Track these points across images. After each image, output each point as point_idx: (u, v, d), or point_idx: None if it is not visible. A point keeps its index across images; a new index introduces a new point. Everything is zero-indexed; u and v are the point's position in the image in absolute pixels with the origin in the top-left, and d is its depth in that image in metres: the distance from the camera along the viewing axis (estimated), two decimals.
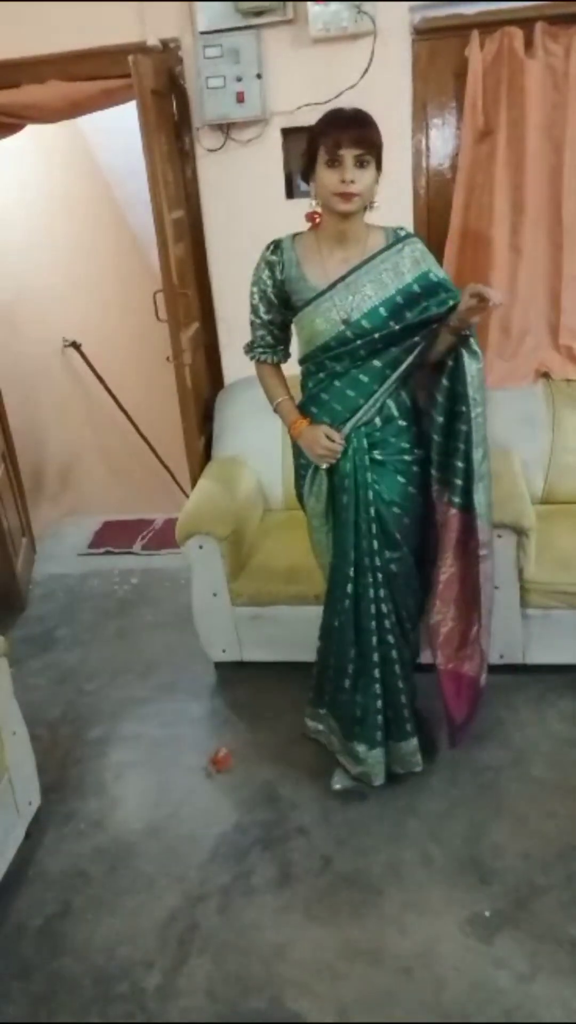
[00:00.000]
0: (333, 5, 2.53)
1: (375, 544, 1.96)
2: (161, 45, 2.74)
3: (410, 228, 2.26)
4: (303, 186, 2.86)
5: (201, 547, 2.51)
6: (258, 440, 2.96)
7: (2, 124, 2.96)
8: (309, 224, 1.91)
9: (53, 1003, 1.72)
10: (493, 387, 2.86)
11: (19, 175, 4.08)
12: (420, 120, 2.75)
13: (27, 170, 4.15)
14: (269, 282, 1.92)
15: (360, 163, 1.73)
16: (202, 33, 2.64)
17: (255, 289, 1.95)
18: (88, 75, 2.79)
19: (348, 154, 1.72)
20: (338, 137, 1.71)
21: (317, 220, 1.88)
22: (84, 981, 1.76)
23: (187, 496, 2.79)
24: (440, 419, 1.90)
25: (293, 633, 2.58)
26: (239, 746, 2.42)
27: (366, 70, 2.62)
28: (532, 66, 2.52)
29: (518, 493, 2.49)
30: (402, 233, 1.89)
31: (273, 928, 1.84)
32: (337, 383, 1.90)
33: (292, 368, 2.89)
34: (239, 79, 2.65)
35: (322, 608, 2.11)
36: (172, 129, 2.82)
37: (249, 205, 2.90)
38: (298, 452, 2.04)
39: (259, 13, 2.59)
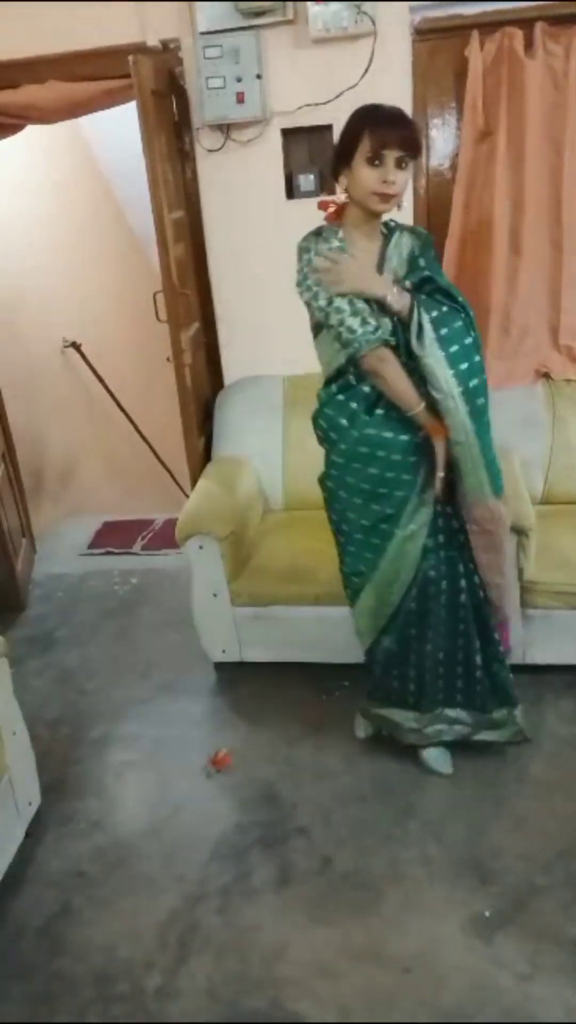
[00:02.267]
0: (333, 5, 2.54)
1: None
2: (161, 45, 2.74)
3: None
4: (304, 185, 2.88)
5: (201, 547, 2.51)
6: (258, 440, 2.96)
7: (2, 125, 2.96)
8: (325, 215, 1.89)
9: (53, 1003, 1.72)
10: (493, 387, 2.86)
11: (19, 175, 4.08)
12: (420, 120, 2.75)
13: (27, 170, 4.15)
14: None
15: (400, 164, 1.72)
16: (202, 33, 2.64)
17: (318, 282, 1.80)
18: (88, 75, 2.80)
19: (391, 155, 1.70)
20: (385, 136, 1.69)
21: (330, 209, 1.88)
22: (84, 981, 1.76)
23: (187, 496, 2.79)
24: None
25: (293, 633, 2.58)
26: (239, 746, 2.42)
27: (366, 70, 2.63)
28: (532, 66, 2.52)
29: (518, 493, 2.49)
30: (392, 223, 1.92)
31: (273, 928, 1.84)
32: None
33: (291, 369, 2.91)
34: (239, 79, 2.65)
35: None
36: (172, 129, 2.82)
37: (249, 205, 2.90)
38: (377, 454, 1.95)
39: (259, 13, 2.59)
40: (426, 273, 1.84)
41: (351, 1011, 1.64)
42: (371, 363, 1.83)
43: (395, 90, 2.65)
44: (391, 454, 1.91)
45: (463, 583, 2.03)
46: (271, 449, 2.95)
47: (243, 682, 2.71)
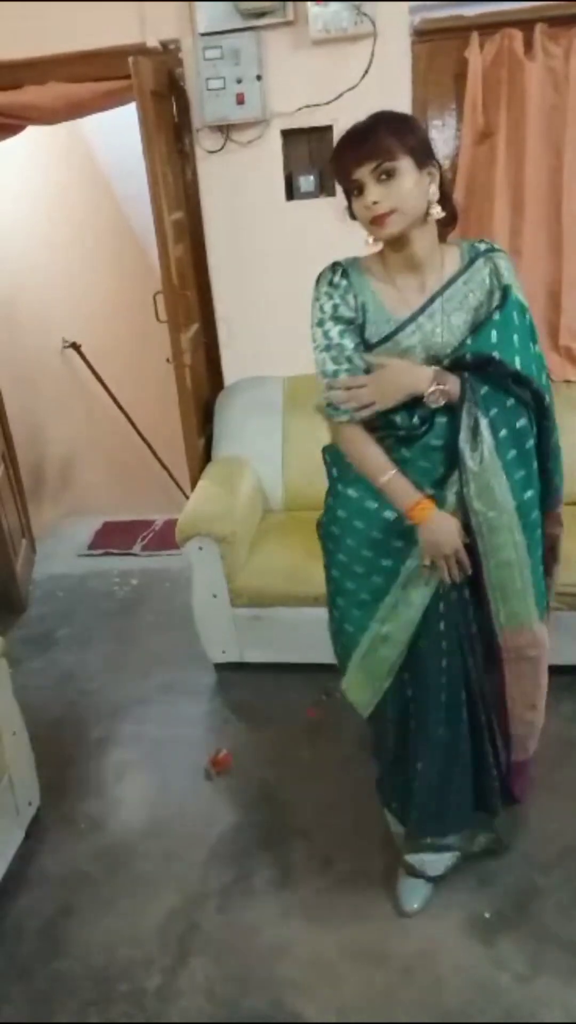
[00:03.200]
0: (333, 6, 2.54)
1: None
2: (161, 46, 2.75)
3: None
4: (304, 186, 2.88)
5: (201, 548, 2.51)
6: (258, 441, 2.96)
7: (2, 125, 2.96)
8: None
9: (53, 1003, 1.72)
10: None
11: (19, 176, 4.09)
12: (420, 121, 2.75)
13: (27, 171, 4.15)
14: (346, 307, 1.50)
15: (382, 175, 1.39)
16: (202, 34, 2.64)
17: (327, 326, 1.50)
18: (88, 76, 2.80)
19: (363, 173, 1.40)
20: (346, 161, 1.42)
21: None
22: (84, 981, 1.76)
23: (187, 497, 2.79)
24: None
25: (293, 634, 2.58)
26: (239, 746, 2.42)
27: (366, 71, 2.63)
28: (532, 68, 2.52)
29: None
30: (481, 247, 1.53)
31: (273, 928, 1.84)
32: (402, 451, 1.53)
33: (291, 369, 2.91)
34: (239, 80, 2.65)
35: (333, 629, 1.81)
36: (172, 130, 2.82)
37: (249, 206, 2.90)
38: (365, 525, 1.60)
39: (259, 14, 2.60)
40: (494, 353, 1.43)
41: (351, 1011, 1.65)
42: (334, 435, 1.58)
43: (395, 91, 2.65)
44: (371, 530, 1.58)
45: (471, 701, 1.68)
46: (271, 450, 2.95)
47: (243, 682, 2.71)
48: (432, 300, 1.48)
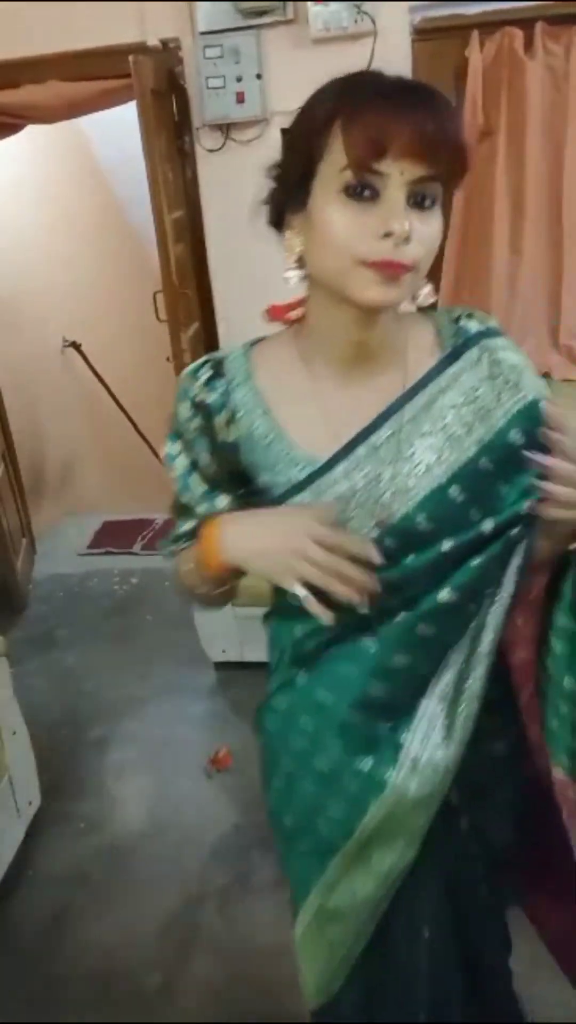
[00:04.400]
0: (333, 5, 2.53)
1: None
2: (161, 45, 2.74)
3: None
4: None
5: None
6: None
7: (2, 124, 2.96)
8: (276, 321, 1.01)
9: (53, 1003, 1.72)
10: None
11: (19, 175, 4.08)
12: None
13: (26, 170, 4.15)
14: (202, 443, 0.96)
15: (422, 198, 0.80)
16: (202, 33, 2.64)
17: (175, 449, 1.00)
18: (88, 75, 2.80)
19: (398, 173, 0.78)
20: (383, 128, 0.76)
21: (293, 318, 0.98)
22: (84, 981, 1.76)
23: None
24: (567, 681, 0.93)
25: None
26: (239, 746, 2.42)
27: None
28: (532, 66, 2.52)
29: None
30: (470, 324, 0.95)
31: (273, 928, 1.84)
32: (364, 641, 0.94)
33: None
34: (239, 79, 2.65)
35: None
36: (172, 129, 2.82)
37: (249, 205, 2.89)
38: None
39: (259, 13, 2.59)
40: (522, 507, 0.86)
41: None
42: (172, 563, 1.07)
43: None
44: (323, 732, 0.97)
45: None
46: None
47: (243, 682, 2.71)
48: (385, 418, 0.89)
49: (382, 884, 0.98)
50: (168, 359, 2.84)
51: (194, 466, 0.98)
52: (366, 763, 0.93)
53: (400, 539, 0.88)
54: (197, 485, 0.99)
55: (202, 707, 2.66)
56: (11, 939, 1.88)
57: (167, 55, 2.75)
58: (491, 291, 2.76)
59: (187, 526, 1.02)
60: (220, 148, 2.82)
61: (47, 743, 2.48)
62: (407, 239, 0.78)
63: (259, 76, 2.66)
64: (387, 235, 0.78)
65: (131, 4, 2.68)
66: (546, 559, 0.92)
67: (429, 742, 0.92)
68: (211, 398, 0.94)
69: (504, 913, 1.19)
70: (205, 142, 2.83)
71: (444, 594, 0.88)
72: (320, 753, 0.97)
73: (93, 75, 2.79)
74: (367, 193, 0.79)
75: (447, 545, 0.87)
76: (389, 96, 0.78)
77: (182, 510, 1.03)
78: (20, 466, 3.67)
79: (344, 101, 0.80)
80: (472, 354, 0.91)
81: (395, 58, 2.63)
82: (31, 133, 3.27)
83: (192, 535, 1.00)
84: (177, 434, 0.99)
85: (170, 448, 1.00)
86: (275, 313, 1.01)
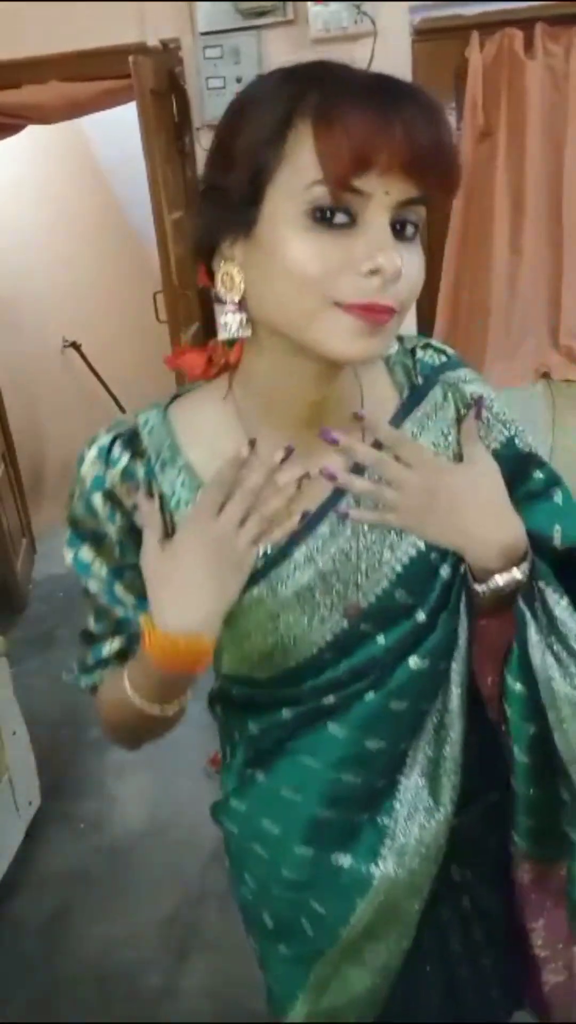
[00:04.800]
0: (333, 5, 2.53)
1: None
2: (161, 45, 2.74)
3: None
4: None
5: None
6: None
7: (2, 125, 2.97)
8: (181, 370, 0.81)
9: (53, 1003, 1.72)
10: (493, 388, 2.87)
11: (19, 176, 4.09)
12: None
13: (26, 170, 4.15)
14: (128, 543, 0.78)
15: (403, 226, 0.65)
16: (202, 34, 2.64)
17: (86, 555, 0.81)
18: (88, 75, 2.80)
19: (386, 193, 0.62)
20: (369, 133, 0.59)
21: (213, 371, 0.78)
22: (84, 981, 1.76)
23: None
24: (524, 759, 0.79)
25: None
26: None
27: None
28: (532, 67, 2.52)
29: None
30: (427, 356, 0.83)
31: None
32: (331, 729, 0.82)
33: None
34: (239, 80, 2.65)
35: None
36: (172, 130, 2.82)
37: None
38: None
39: (259, 13, 2.59)
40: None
41: None
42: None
43: None
44: (291, 834, 0.85)
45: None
46: None
47: None
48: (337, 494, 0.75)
49: (378, 975, 0.87)
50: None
51: (118, 574, 0.78)
52: (345, 859, 0.82)
53: (374, 620, 0.78)
54: (126, 595, 0.79)
55: (202, 707, 2.64)
56: (11, 939, 1.88)
57: (167, 55, 2.75)
58: (491, 291, 2.76)
59: (111, 646, 0.82)
60: None
61: (47, 743, 2.48)
62: (397, 270, 0.61)
63: (259, 76, 2.65)
64: (373, 272, 0.61)
65: (131, 4, 2.68)
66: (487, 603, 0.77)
67: (414, 822, 0.81)
68: (128, 489, 0.75)
69: (511, 1011, 1.02)
70: (205, 142, 2.83)
71: (415, 661, 0.78)
72: (289, 857, 0.84)
73: (93, 75, 2.79)
74: (341, 218, 0.61)
75: (423, 615, 0.78)
76: (371, 93, 0.60)
77: (99, 634, 0.84)
78: (20, 466, 3.67)
79: (312, 97, 0.61)
80: (436, 393, 0.80)
81: (395, 58, 2.63)
82: (31, 133, 3.27)
83: (123, 654, 0.81)
84: (85, 536, 0.78)
85: (78, 555, 0.79)
86: (179, 364, 0.79)
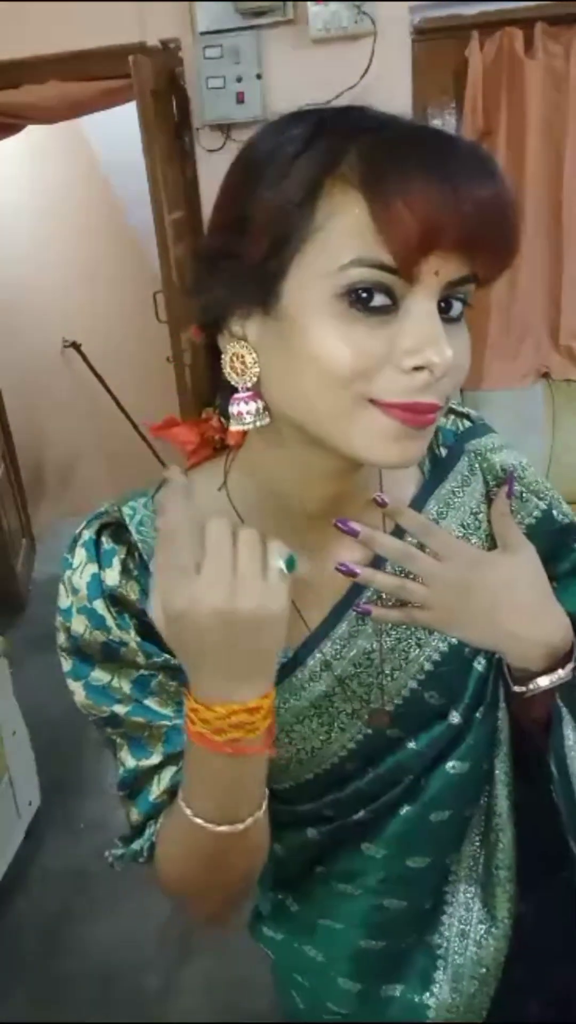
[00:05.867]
0: (333, 5, 2.53)
1: None
2: (161, 45, 2.74)
3: None
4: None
5: None
6: None
7: (2, 124, 2.97)
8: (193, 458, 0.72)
9: (53, 1003, 1.72)
10: (493, 387, 2.88)
11: (18, 175, 4.09)
12: (420, 120, 2.74)
13: (26, 170, 4.15)
14: (133, 639, 0.64)
15: (448, 306, 0.55)
16: (202, 33, 2.64)
17: (102, 678, 0.68)
18: (88, 75, 2.80)
19: (436, 274, 0.52)
20: (437, 208, 0.49)
21: (206, 453, 0.71)
22: (84, 981, 1.76)
23: None
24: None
25: None
26: None
27: (366, 70, 2.62)
28: (532, 67, 2.52)
29: None
30: (449, 428, 0.74)
31: None
32: (365, 850, 0.73)
33: None
34: (239, 79, 2.65)
35: None
36: (172, 129, 2.82)
37: None
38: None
39: (259, 13, 2.59)
40: None
41: None
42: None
43: (395, 90, 2.65)
44: (335, 963, 0.77)
45: None
46: None
47: None
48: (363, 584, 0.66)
49: None
50: (168, 359, 2.84)
51: (144, 685, 0.65)
52: (395, 990, 0.74)
53: (402, 724, 0.69)
54: (162, 707, 0.65)
55: None
56: (11, 939, 1.88)
57: (167, 55, 2.75)
58: (491, 291, 2.76)
59: (159, 784, 0.67)
60: (220, 148, 2.82)
61: (47, 743, 2.48)
62: (446, 362, 0.51)
63: (259, 76, 2.66)
64: (418, 368, 0.52)
65: (131, 4, 2.68)
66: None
67: (469, 938, 0.72)
68: (135, 587, 0.64)
69: None
70: (205, 142, 2.83)
71: (453, 766, 0.69)
72: (334, 991, 0.76)
73: (93, 75, 2.79)
74: (381, 299, 0.51)
75: (457, 716, 0.69)
76: (426, 154, 0.50)
77: (142, 770, 0.68)
78: (20, 466, 3.67)
79: (350, 158, 0.51)
80: (462, 465, 0.70)
81: (395, 58, 2.63)
82: (31, 133, 3.27)
83: (173, 791, 0.64)
84: (93, 658, 0.66)
85: (89, 682, 0.67)
86: (165, 436, 0.70)
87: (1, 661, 2.02)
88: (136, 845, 0.69)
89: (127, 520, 0.66)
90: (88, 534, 0.65)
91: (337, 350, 0.51)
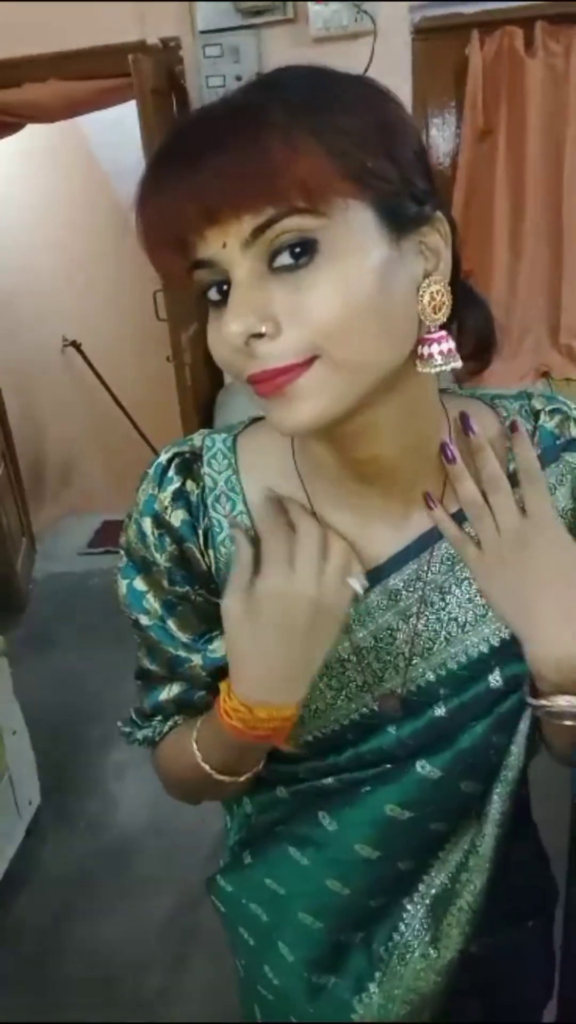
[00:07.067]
0: (333, 4, 2.53)
1: None
2: (161, 44, 2.74)
3: None
4: None
5: None
6: None
7: (2, 123, 2.96)
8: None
9: (53, 1003, 1.72)
10: (493, 387, 2.88)
11: (18, 175, 4.08)
12: (420, 119, 2.75)
13: (26, 169, 4.15)
14: (178, 574, 0.70)
15: (279, 253, 0.51)
16: (202, 32, 2.64)
17: (140, 585, 0.74)
18: (88, 74, 2.79)
19: (223, 246, 0.52)
20: (165, 209, 0.54)
21: None
22: (85, 981, 1.76)
23: None
24: None
25: None
26: None
27: (366, 69, 2.62)
28: (532, 65, 2.52)
29: None
30: (550, 430, 0.69)
31: None
32: (322, 820, 0.73)
33: None
34: (239, 78, 2.65)
35: None
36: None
37: None
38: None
39: (259, 12, 2.59)
40: None
41: None
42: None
43: (395, 89, 2.59)
44: (277, 929, 0.76)
45: None
46: None
47: None
48: (413, 553, 0.66)
49: None
50: (168, 359, 2.84)
51: (170, 608, 0.70)
52: (328, 979, 0.72)
53: (423, 697, 0.68)
54: (179, 632, 0.71)
55: None
56: (12, 939, 1.88)
57: (167, 54, 2.75)
58: (491, 291, 2.76)
59: (169, 691, 0.74)
60: None
61: (47, 743, 2.48)
62: (263, 333, 0.51)
63: (259, 75, 2.65)
64: (242, 349, 0.53)
65: (131, 4, 2.68)
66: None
67: (410, 964, 0.70)
68: (181, 517, 0.68)
69: None
70: None
71: (422, 765, 0.67)
72: (271, 956, 0.75)
73: (93, 74, 2.79)
74: (215, 295, 0.55)
75: (441, 709, 0.67)
76: (167, 161, 0.54)
77: (155, 674, 0.75)
78: (20, 466, 3.67)
79: (140, 196, 0.57)
80: (550, 473, 0.66)
81: (395, 57, 2.63)
82: (31, 133, 3.27)
83: (182, 704, 0.73)
84: (138, 565, 0.71)
85: (132, 584, 0.72)
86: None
87: (1, 661, 2.02)
88: (143, 734, 0.78)
89: (204, 452, 0.69)
90: (163, 457, 0.70)
91: (213, 347, 0.56)
